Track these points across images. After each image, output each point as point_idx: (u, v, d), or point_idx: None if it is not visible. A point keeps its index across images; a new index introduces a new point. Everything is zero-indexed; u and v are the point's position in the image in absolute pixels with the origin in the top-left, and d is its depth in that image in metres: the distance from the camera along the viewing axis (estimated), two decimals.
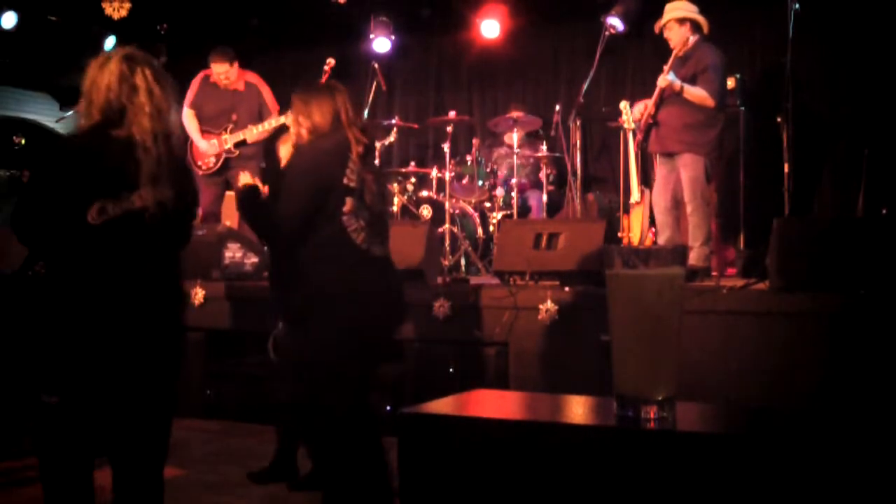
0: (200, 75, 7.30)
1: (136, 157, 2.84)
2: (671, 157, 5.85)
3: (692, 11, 5.82)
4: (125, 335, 2.88)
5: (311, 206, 3.40)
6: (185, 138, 7.14)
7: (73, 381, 2.87)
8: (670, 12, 5.84)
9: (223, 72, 7.10)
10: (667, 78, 5.65)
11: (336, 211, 3.41)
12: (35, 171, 2.92)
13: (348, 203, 3.42)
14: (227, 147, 7.06)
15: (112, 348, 2.86)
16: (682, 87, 5.64)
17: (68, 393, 2.89)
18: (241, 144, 7.03)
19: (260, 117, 7.07)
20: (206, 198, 7.27)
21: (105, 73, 2.92)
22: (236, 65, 7.16)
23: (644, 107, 5.98)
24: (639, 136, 6.03)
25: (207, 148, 7.11)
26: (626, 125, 6.23)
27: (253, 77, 7.30)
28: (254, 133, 7.00)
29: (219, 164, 7.11)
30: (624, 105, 6.22)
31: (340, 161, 3.43)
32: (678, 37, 5.79)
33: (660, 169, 5.98)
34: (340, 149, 3.45)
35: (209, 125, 7.17)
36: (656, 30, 5.94)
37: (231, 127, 7.08)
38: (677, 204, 5.89)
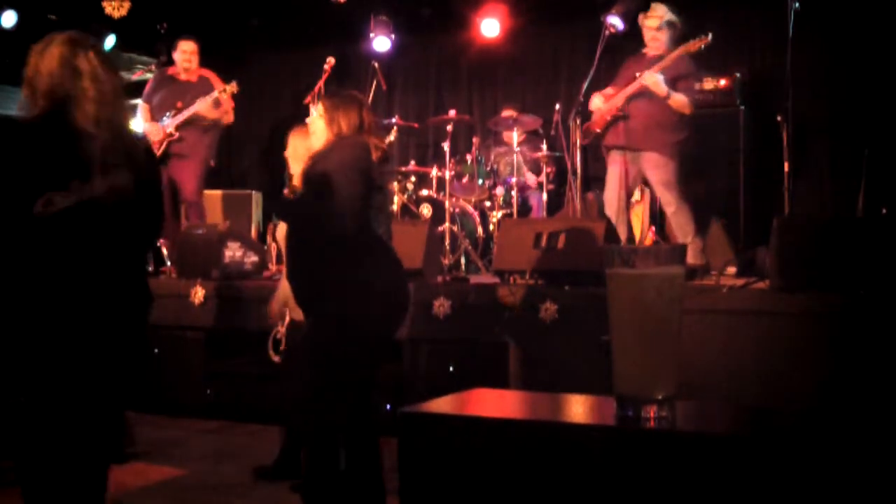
0: (158, 73, 7.41)
1: (83, 146, 2.69)
2: (634, 153, 5.86)
3: (675, 16, 5.91)
4: (80, 333, 2.74)
5: (365, 198, 3.47)
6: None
7: (35, 382, 2.77)
8: (664, 15, 5.89)
9: (189, 50, 7.15)
10: (656, 77, 5.66)
11: (368, 207, 3.51)
12: None
13: (376, 201, 3.56)
14: (168, 131, 7.01)
15: (67, 347, 2.73)
16: (668, 94, 5.67)
17: (33, 393, 2.78)
18: (183, 126, 7.01)
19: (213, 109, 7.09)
20: None
21: (46, 57, 2.78)
22: (197, 56, 7.23)
23: (605, 97, 5.97)
24: (596, 128, 5.99)
25: (150, 130, 7.05)
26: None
27: (209, 73, 7.32)
28: (188, 112, 7.00)
29: (161, 150, 7.03)
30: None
31: (370, 159, 3.56)
32: (667, 38, 5.86)
33: (614, 166, 5.96)
34: (368, 149, 3.57)
35: (155, 114, 7.19)
36: (642, 24, 5.94)
37: (174, 112, 7.06)
38: (630, 203, 5.94)
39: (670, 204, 5.76)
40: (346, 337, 3.44)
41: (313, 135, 3.67)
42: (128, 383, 2.92)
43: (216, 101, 7.05)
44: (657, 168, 5.76)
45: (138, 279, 2.93)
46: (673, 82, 5.73)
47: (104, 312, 2.78)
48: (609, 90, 6.02)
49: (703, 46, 5.73)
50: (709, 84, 6.97)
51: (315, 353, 3.54)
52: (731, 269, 6.05)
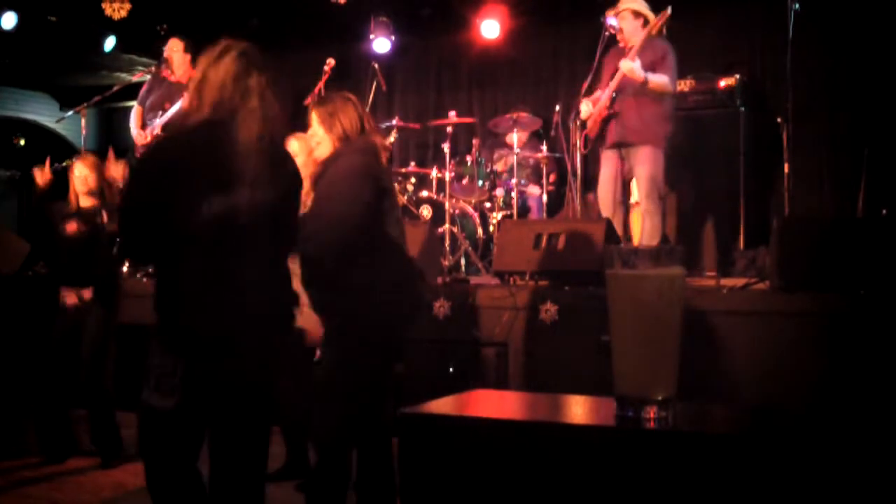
0: (152, 75, 7.46)
1: (241, 159, 2.72)
2: (628, 149, 5.87)
3: (646, 8, 5.92)
4: (234, 337, 2.74)
5: (374, 203, 3.39)
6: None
7: (185, 387, 2.73)
8: (627, 3, 5.93)
9: (170, 48, 7.16)
10: (631, 64, 5.66)
11: (381, 211, 3.43)
12: (138, 167, 2.79)
13: (387, 204, 3.46)
14: (156, 133, 7.03)
15: (218, 353, 2.73)
16: (645, 78, 5.68)
17: (181, 398, 2.74)
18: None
19: None
20: None
21: (220, 69, 2.80)
22: (188, 58, 7.16)
23: (593, 102, 5.98)
24: (591, 135, 6.00)
25: (138, 136, 7.16)
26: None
27: None
28: (172, 111, 6.98)
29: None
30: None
31: (379, 163, 3.49)
32: (630, 28, 5.89)
33: (607, 165, 5.97)
34: (377, 152, 3.50)
35: (147, 116, 7.24)
36: (608, 14, 5.95)
37: (161, 114, 7.08)
38: (630, 203, 5.95)
39: (646, 201, 5.78)
40: (364, 341, 3.40)
41: (317, 146, 3.54)
42: (264, 390, 2.91)
43: None
44: (646, 162, 5.77)
45: (280, 285, 2.92)
46: (651, 67, 5.73)
47: (253, 319, 2.77)
48: (598, 93, 6.04)
49: (664, 22, 5.74)
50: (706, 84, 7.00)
51: (333, 356, 3.50)
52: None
